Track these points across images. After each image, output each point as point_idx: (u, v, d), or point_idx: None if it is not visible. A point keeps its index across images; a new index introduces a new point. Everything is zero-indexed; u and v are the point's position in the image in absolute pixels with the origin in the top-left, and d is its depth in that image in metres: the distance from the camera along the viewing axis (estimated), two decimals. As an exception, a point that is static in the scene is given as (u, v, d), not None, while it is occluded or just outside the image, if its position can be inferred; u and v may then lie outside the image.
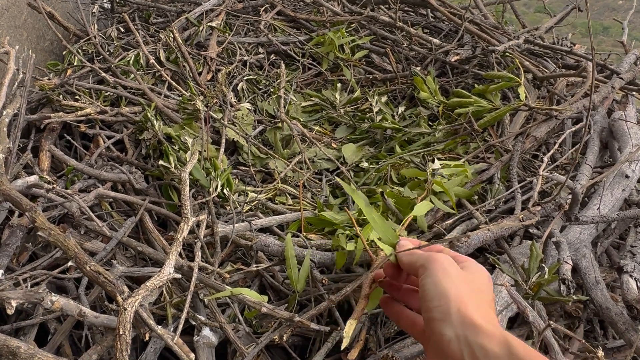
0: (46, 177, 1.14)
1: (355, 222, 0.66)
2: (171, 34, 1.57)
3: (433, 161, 1.03)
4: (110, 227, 1.08)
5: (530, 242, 0.89)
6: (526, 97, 1.29)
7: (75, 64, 1.42)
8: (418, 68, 1.65)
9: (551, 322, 0.59)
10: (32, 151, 1.25)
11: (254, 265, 0.96)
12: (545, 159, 0.91)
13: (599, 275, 0.89)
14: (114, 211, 1.14)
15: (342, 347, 0.58)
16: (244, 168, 1.34)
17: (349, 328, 0.54)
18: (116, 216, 1.14)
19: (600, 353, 0.57)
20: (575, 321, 0.90)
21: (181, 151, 1.20)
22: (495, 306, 0.57)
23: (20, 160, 1.18)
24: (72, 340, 0.94)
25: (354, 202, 1.22)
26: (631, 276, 0.78)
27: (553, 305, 0.94)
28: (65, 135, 1.31)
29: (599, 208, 0.98)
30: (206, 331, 0.87)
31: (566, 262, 0.77)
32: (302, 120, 1.56)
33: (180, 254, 1.04)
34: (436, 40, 1.75)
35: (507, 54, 1.51)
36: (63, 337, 0.91)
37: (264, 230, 1.11)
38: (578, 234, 0.96)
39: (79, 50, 1.47)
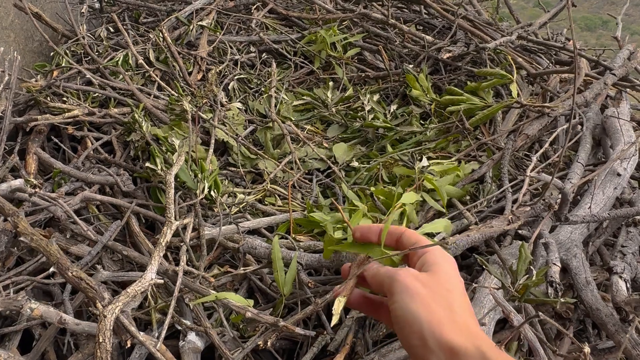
0: (32, 180, 1.13)
1: (342, 214, 0.65)
2: (161, 34, 1.56)
3: (421, 159, 1.01)
4: (97, 231, 1.07)
5: (520, 242, 0.88)
6: (518, 94, 1.27)
7: (62, 65, 1.40)
8: (410, 65, 1.64)
9: (540, 313, 0.57)
10: (19, 154, 1.24)
11: (241, 268, 0.94)
12: (534, 159, 0.90)
13: (589, 275, 0.88)
14: (101, 214, 1.13)
15: (331, 325, 0.56)
16: (234, 169, 1.33)
17: (338, 305, 0.52)
18: (103, 219, 1.13)
19: (587, 349, 0.55)
20: (566, 322, 0.88)
21: (169, 153, 1.18)
22: (472, 307, 0.54)
23: (6, 164, 1.17)
24: (57, 346, 0.93)
25: (344, 202, 1.20)
26: (620, 277, 0.77)
27: (544, 306, 0.93)
28: (53, 137, 1.30)
29: (590, 207, 0.96)
30: (192, 336, 0.86)
31: (554, 264, 0.76)
32: (293, 119, 1.54)
33: (166, 257, 1.03)
34: (429, 37, 1.73)
35: (499, 50, 1.50)
36: (47, 343, 0.90)
37: (252, 232, 1.10)
38: (569, 234, 0.95)
39: (67, 51, 1.46)
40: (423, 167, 0.95)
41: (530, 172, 0.86)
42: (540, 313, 0.60)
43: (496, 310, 0.78)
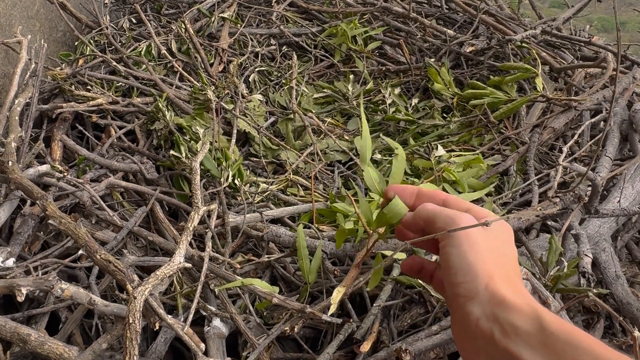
0: (58, 166, 1.14)
1: (353, 201, 0.64)
2: (183, 25, 1.56)
3: (437, 148, 1.01)
4: (121, 217, 1.08)
5: (549, 235, 0.87)
6: (544, 88, 1.26)
7: (88, 53, 1.41)
8: (432, 59, 1.63)
9: (563, 306, 0.56)
10: (44, 141, 1.25)
11: (265, 256, 0.94)
12: (565, 149, 0.89)
13: (619, 269, 0.87)
14: (125, 201, 1.14)
15: (329, 313, 0.56)
16: (255, 159, 1.33)
17: (336, 295, 0.52)
18: (127, 206, 1.13)
19: (637, 333, 0.54)
20: (595, 317, 0.87)
21: (192, 141, 1.19)
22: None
23: (32, 150, 1.18)
24: (82, 329, 0.94)
25: (366, 195, 1.20)
26: (654, 270, 0.75)
27: (572, 300, 0.92)
28: (77, 125, 1.31)
29: (619, 201, 0.95)
30: (217, 322, 0.86)
31: (586, 255, 0.75)
32: (314, 111, 1.54)
33: (191, 244, 1.03)
34: (450, 32, 1.72)
35: (523, 45, 1.48)
36: (74, 326, 0.91)
37: (275, 221, 1.10)
38: (597, 228, 0.94)
39: (91, 41, 1.47)
40: (440, 156, 0.94)
41: (563, 161, 0.85)
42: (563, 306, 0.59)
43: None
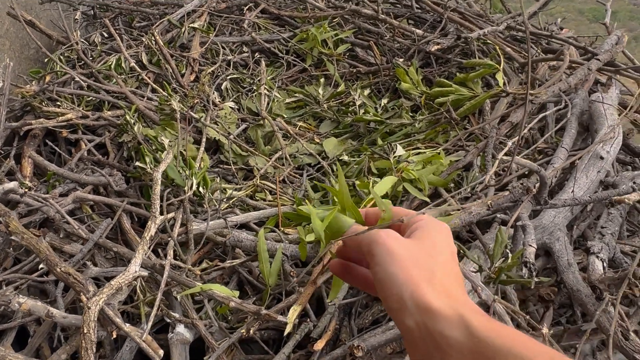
0: (27, 182, 1.16)
1: (313, 211, 0.66)
2: (152, 37, 1.59)
3: (396, 149, 1.02)
4: (90, 230, 1.09)
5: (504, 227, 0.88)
6: (505, 83, 1.28)
7: (57, 69, 1.43)
8: (401, 59, 1.65)
9: (496, 297, 0.58)
10: (15, 158, 1.27)
11: (228, 261, 0.96)
12: (509, 143, 0.91)
13: (571, 258, 0.89)
14: (94, 214, 1.16)
15: (285, 333, 0.57)
16: (226, 166, 1.35)
17: (292, 314, 0.53)
18: (97, 218, 1.15)
19: (545, 330, 0.56)
20: (549, 304, 0.89)
21: (159, 152, 1.21)
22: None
23: (2, 168, 1.20)
24: (52, 341, 0.96)
25: (334, 196, 1.22)
26: (597, 257, 0.77)
27: (530, 290, 0.94)
28: (48, 142, 1.33)
29: (573, 190, 0.97)
30: (180, 328, 0.88)
31: (530, 245, 0.77)
32: (286, 116, 1.56)
33: (157, 254, 1.05)
34: (419, 31, 1.74)
35: (487, 41, 1.50)
36: (42, 339, 0.92)
37: (242, 226, 1.12)
38: (552, 218, 0.96)
39: (61, 57, 1.49)
40: (399, 156, 0.96)
41: (503, 155, 0.87)
42: (496, 297, 0.61)
43: (473, 294, 0.78)
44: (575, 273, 0.85)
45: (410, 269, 0.44)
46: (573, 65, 1.37)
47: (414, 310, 0.42)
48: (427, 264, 0.45)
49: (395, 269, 0.45)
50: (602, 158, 1.02)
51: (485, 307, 0.71)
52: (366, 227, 0.52)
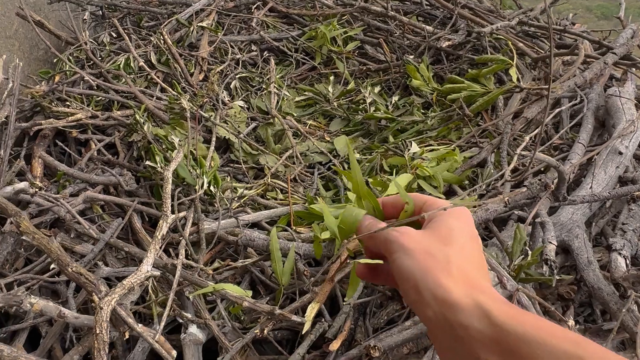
0: (37, 183, 1.15)
1: (324, 208, 0.64)
2: (161, 36, 1.58)
3: (411, 145, 1.01)
4: (101, 230, 1.08)
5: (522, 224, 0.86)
6: (518, 78, 1.26)
7: (66, 70, 1.43)
8: (411, 56, 1.63)
9: (519, 286, 0.56)
10: (25, 159, 1.26)
11: (240, 260, 0.95)
12: (527, 138, 0.89)
13: (591, 255, 0.87)
14: (105, 214, 1.15)
15: (303, 332, 0.56)
16: (236, 165, 1.34)
17: (310, 312, 0.52)
18: (107, 218, 1.14)
19: (571, 322, 0.54)
20: (569, 303, 0.87)
21: (169, 151, 1.20)
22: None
23: (12, 168, 1.20)
24: (63, 342, 0.95)
25: (345, 194, 1.20)
26: (620, 254, 0.75)
27: (549, 289, 0.92)
28: (58, 142, 1.33)
29: (591, 187, 0.95)
30: (193, 328, 0.87)
31: (550, 243, 0.75)
32: (295, 115, 1.55)
33: (169, 253, 1.04)
34: (429, 28, 1.72)
35: (499, 37, 1.48)
36: (54, 340, 0.92)
37: (254, 225, 1.11)
38: (570, 215, 0.94)
39: (70, 57, 1.49)
40: (414, 153, 0.94)
41: (521, 150, 0.85)
42: (519, 287, 0.59)
43: (497, 288, 0.77)
44: (595, 271, 0.83)
45: (426, 260, 0.43)
46: (587, 60, 1.35)
47: (432, 301, 0.42)
48: (442, 252, 0.44)
49: (411, 262, 0.44)
50: (620, 153, 0.99)
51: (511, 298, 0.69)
52: (381, 223, 0.51)
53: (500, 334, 0.37)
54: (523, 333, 0.36)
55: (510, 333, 0.37)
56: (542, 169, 1.04)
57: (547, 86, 1.09)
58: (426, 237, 0.46)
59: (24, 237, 0.86)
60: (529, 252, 0.71)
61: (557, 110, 1.09)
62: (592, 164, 1.00)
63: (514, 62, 1.31)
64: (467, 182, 1.09)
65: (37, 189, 0.97)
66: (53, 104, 1.33)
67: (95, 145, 1.30)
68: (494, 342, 0.37)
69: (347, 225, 0.55)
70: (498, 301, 0.39)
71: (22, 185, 1.04)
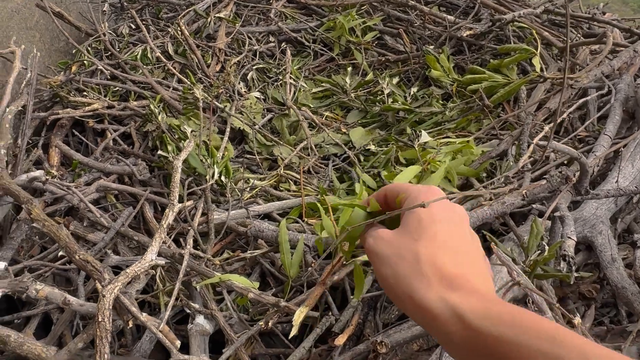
0: (53, 172, 1.16)
1: (330, 207, 0.62)
2: (178, 27, 1.57)
3: (420, 135, 0.97)
4: (114, 219, 1.09)
5: (540, 219, 0.82)
6: (542, 68, 1.21)
7: (84, 60, 1.44)
8: (431, 47, 1.59)
9: (522, 280, 0.53)
10: (42, 148, 1.28)
11: (249, 252, 0.94)
12: (546, 128, 0.84)
13: (615, 253, 0.82)
14: (118, 203, 1.15)
15: (290, 336, 0.54)
16: (251, 156, 1.33)
17: (298, 316, 0.50)
18: (121, 207, 1.15)
19: (578, 319, 0.51)
20: (591, 302, 0.83)
21: (182, 141, 1.19)
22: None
23: (30, 157, 1.21)
24: (73, 329, 0.95)
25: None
26: (645, 251, 0.71)
27: (570, 287, 0.88)
28: (75, 132, 1.34)
29: (617, 180, 0.90)
30: (200, 319, 0.86)
31: (569, 238, 0.71)
32: (312, 106, 1.53)
33: (178, 243, 1.03)
34: (450, 17, 1.68)
35: (523, 25, 1.43)
36: (64, 327, 0.92)
37: (266, 217, 1.09)
38: (594, 210, 0.89)
39: (88, 48, 1.49)
40: (425, 143, 0.91)
41: (538, 140, 0.81)
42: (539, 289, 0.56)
43: (511, 290, 0.73)
44: (620, 269, 0.78)
45: (397, 266, 0.42)
46: (617, 49, 1.28)
47: (411, 309, 0.40)
48: (412, 252, 0.41)
49: (385, 270, 0.42)
50: (650, 146, 0.94)
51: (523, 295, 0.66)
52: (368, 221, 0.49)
53: (477, 338, 0.36)
54: (498, 335, 0.35)
55: (486, 335, 0.35)
56: (565, 162, 1.00)
57: (570, 75, 1.05)
58: (397, 236, 0.43)
59: (34, 225, 0.86)
60: (546, 248, 0.68)
61: (581, 100, 1.04)
62: (618, 156, 0.95)
63: (538, 52, 1.26)
64: (484, 175, 1.05)
65: (49, 177, 0.97)
66: (71, 94, 1.34)
67: (111, 135, 1.30)
68: (472, 345, 0.36)
69: (350, 225, 0.53)
70: (472, 296, 0.37)
71: (37, 173, 1.05)
